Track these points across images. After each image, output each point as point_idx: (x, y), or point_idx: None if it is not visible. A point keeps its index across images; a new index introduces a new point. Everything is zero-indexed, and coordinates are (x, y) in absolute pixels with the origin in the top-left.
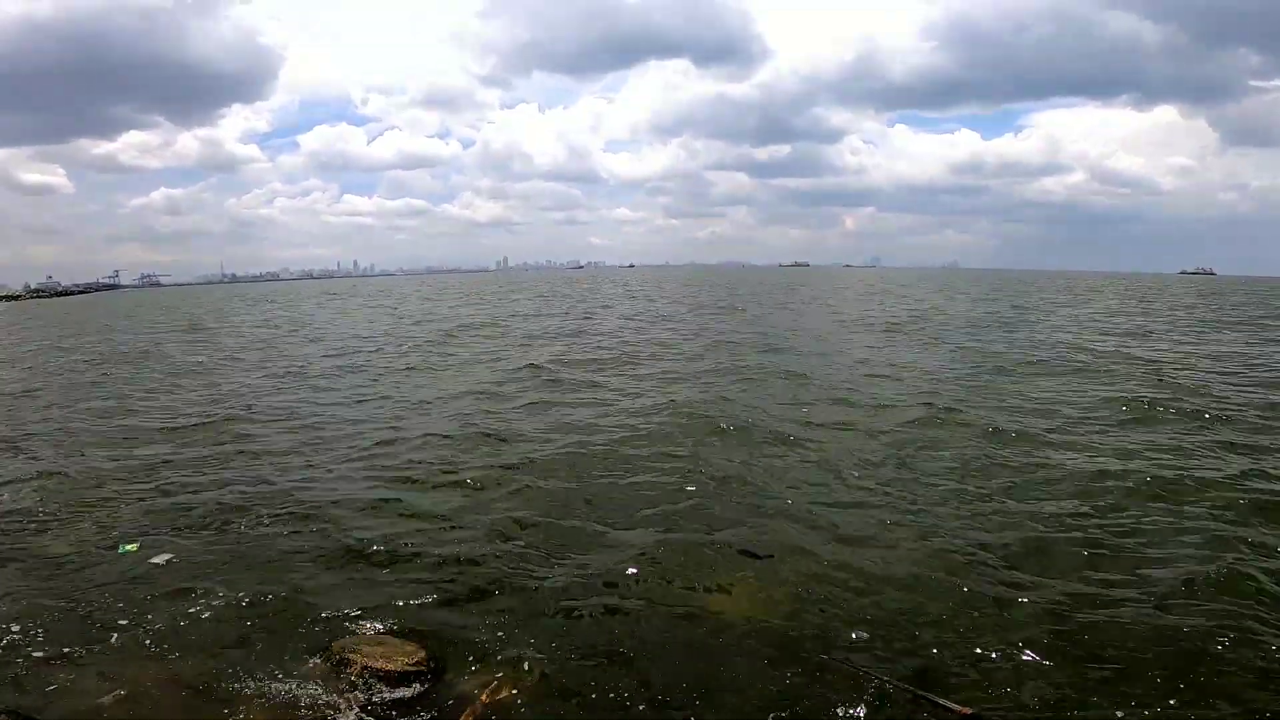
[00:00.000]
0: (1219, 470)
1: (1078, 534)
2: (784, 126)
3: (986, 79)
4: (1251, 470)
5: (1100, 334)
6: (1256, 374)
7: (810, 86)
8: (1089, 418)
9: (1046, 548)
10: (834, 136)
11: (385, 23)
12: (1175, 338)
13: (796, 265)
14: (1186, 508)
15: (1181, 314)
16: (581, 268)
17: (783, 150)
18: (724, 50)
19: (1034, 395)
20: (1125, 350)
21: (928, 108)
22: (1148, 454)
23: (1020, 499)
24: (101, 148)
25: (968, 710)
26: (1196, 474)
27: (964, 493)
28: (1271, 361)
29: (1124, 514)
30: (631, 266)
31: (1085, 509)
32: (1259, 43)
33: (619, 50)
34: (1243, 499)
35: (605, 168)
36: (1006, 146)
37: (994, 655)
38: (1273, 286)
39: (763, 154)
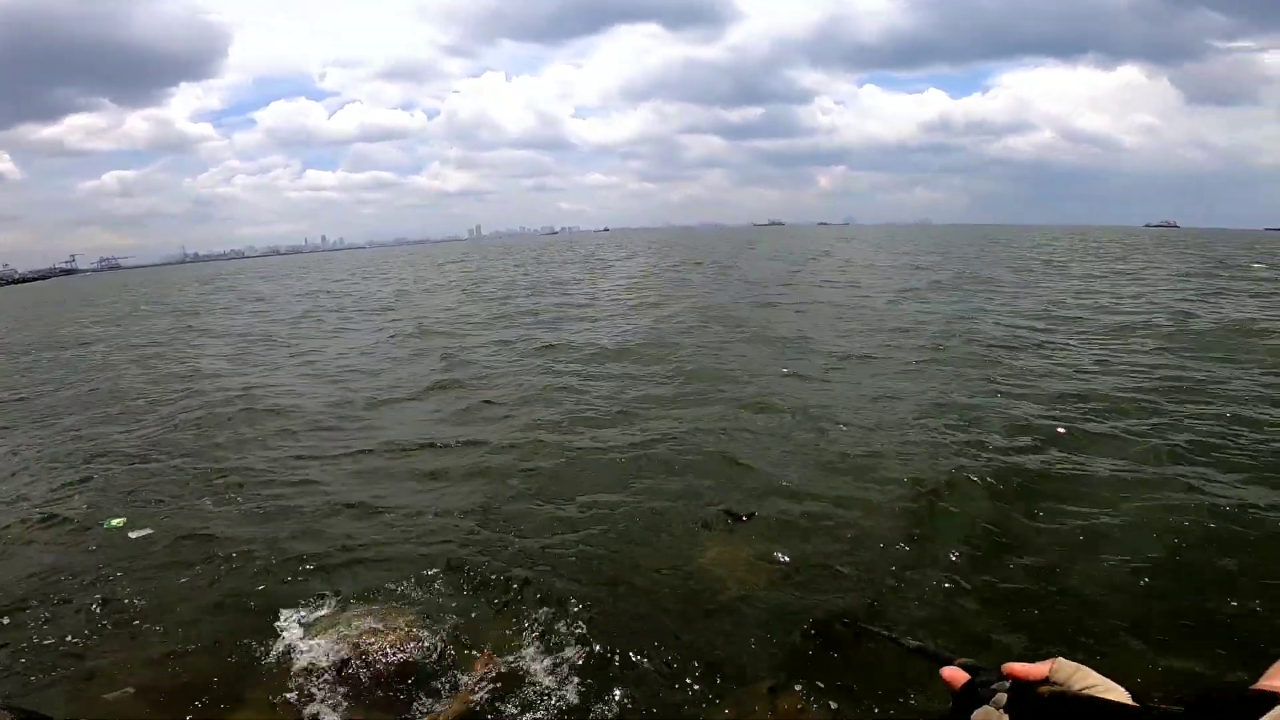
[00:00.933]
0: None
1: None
2: (755, 88)
3: (955, 38)
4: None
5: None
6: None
7: (781, 48)
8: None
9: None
10: (805, 97)
11: None
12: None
13: (771, 224)
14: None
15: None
16: (556, 233)
17: (755, 112)
18: (694, 13)
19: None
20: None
21: (898, 67)
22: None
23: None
24: (46, 132)
25: (962, 660)
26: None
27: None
28: None
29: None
30: (606, 230)
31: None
32: (1222, 3)
33: (587, 15)
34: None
35: (576, 134)
36: (975, 105)
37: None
38: (1236, 237)
39: (735, 116)
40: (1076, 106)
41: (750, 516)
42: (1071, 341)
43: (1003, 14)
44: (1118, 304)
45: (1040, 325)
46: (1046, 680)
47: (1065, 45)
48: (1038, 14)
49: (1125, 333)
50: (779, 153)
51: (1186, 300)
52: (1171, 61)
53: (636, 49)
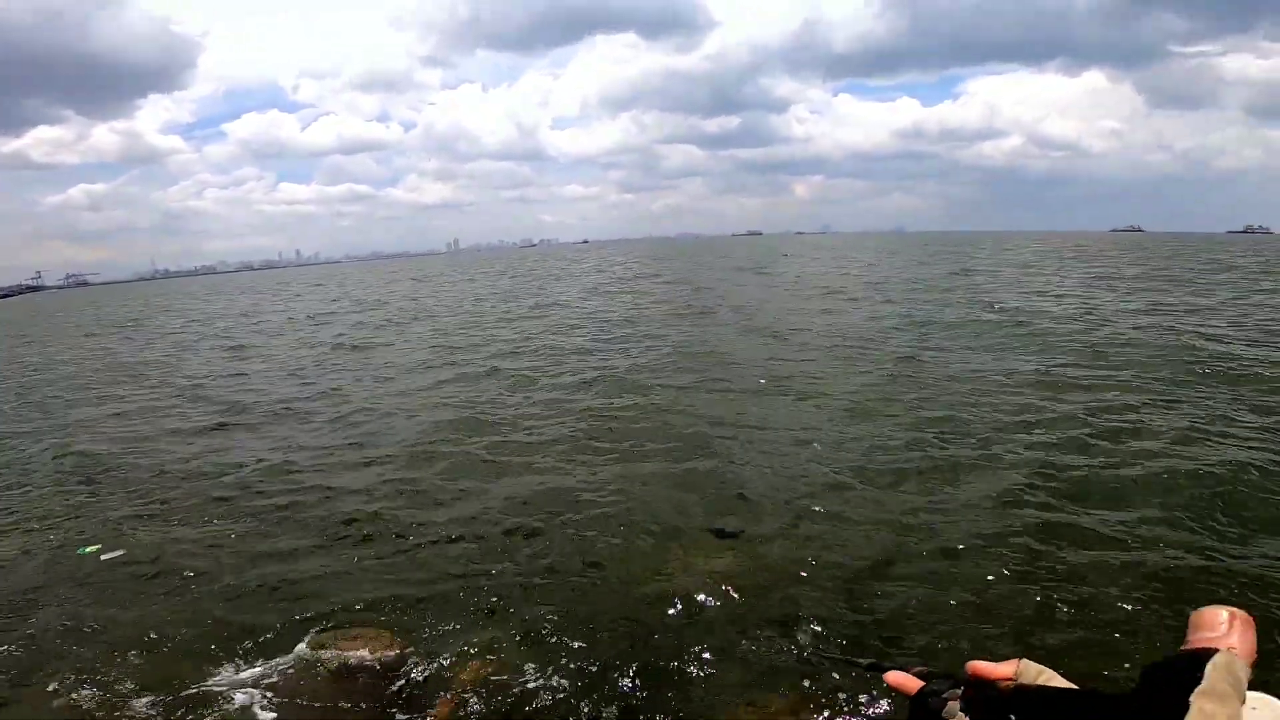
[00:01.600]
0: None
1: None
2: (732, 98)
3: (926, 46)
4: None
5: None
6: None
7: (757, 57)
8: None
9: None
10: (781, 106)
11: (313, 5)
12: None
13: (750, 234)
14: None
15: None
16: (535, 245)
17: (732, 121)
18: (670, 22)
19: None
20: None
21: (871, 75)
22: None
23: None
24: (9, 145)
25: (917, 669)
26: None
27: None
28: None
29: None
30: (585, 243)
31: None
32: (1181, 8)
33: (564, 25)
34: None
35: (554, 145)
36: (947, 113)
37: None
38: (1201, 241)
39: (712, 125)
40: (1045, 112)
41: (739, 534)
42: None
43: (971, 19)
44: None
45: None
46: (1011, 680)
47: (1033, 51)
48: (1005, 19)
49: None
50: (757, 162)
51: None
52: (1134, 66)
53: (614, 59)
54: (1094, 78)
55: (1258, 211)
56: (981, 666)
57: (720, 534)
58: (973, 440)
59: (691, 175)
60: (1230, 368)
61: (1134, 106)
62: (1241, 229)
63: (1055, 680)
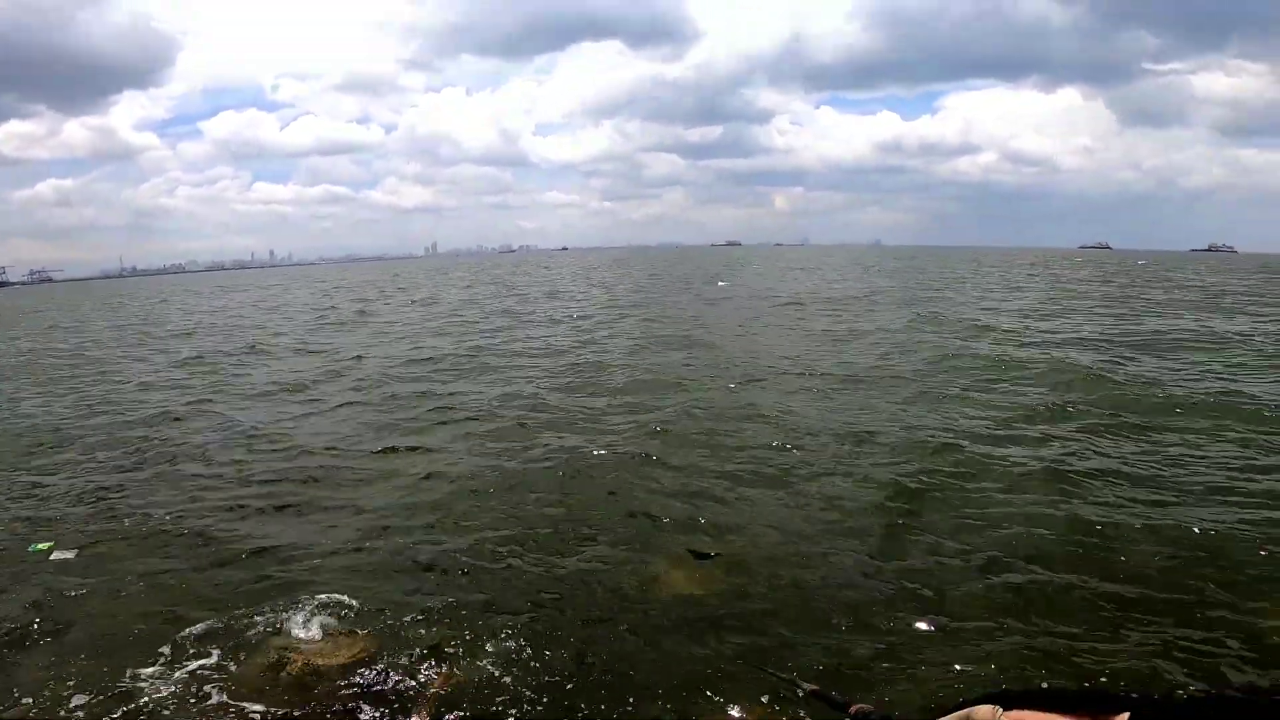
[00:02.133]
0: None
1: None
2: (715, 108)
3: (907, 60)
4: None
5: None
6: None
7: (741, 67)
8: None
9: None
10: (764, 117)
11: (296, 6)
12: None
13: (729, 245)
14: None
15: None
16: (514, 251)
17: (714, 131)
18: (656, 31)
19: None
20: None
21: (853, 89)
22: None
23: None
24: None
25: (858, 707)
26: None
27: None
28: None
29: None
30: (564, 250)
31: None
32: (1155, 25)
33: (550, 31)
34: None
35: (536, 151)
36: (925, 127)
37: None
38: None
39: (695, 135)
40: (1020, 129)
41: (714, 556)
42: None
43: (952, 35)
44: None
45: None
46: None
47: (1010, 67)
48: (985, 36)
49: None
50: (738, 172)
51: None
52: (1107, 83)
53: (600, 66)
54: (1068, 95)
55: (1223, 229)
56: None
57: (698, 555)
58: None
59: (673, 185)
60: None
61: (1106, 124)
62: (1205, 247)
63: None
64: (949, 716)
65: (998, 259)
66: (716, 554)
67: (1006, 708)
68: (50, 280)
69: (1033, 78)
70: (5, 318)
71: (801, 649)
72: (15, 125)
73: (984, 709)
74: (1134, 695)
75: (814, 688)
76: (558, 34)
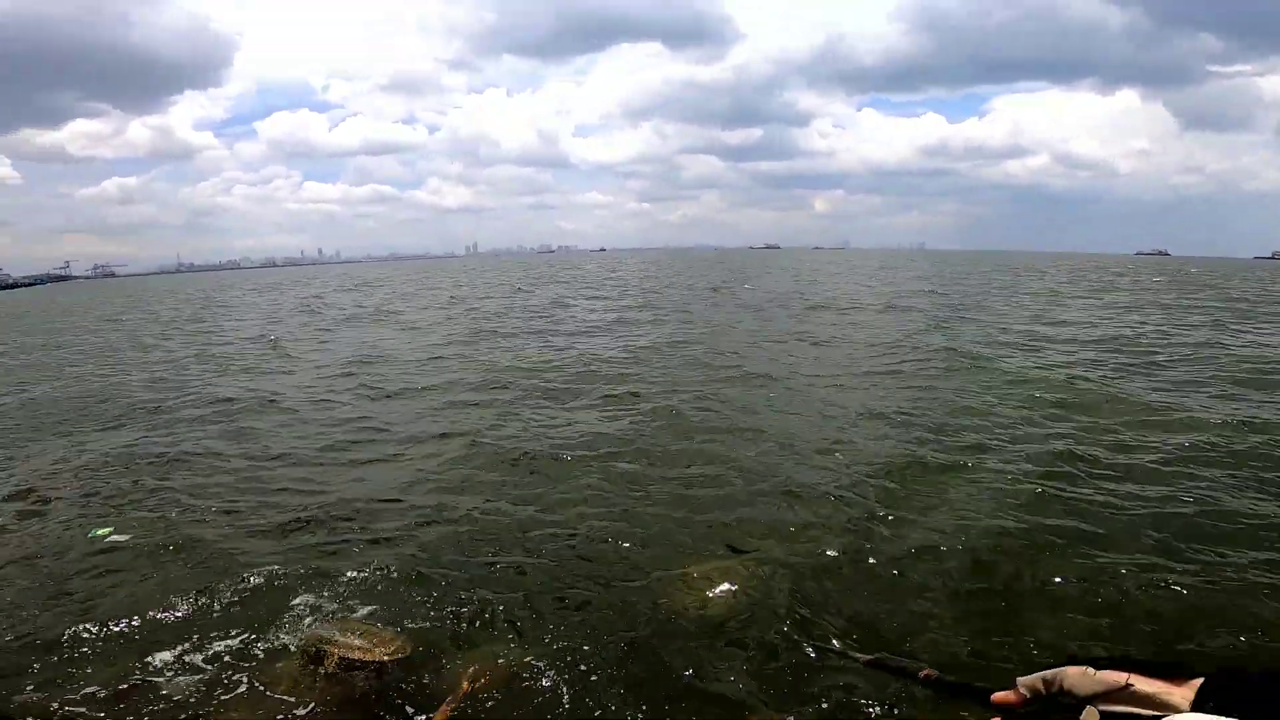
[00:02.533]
0: None
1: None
2: (754, 110)
3: (952, 63)
4: None
5: None
6: None
7: (780, 70)
8: None
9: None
10: (803, 120)
11: (346, 6)
12: None
13: (767, 248)
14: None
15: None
16: (552, 252)
17: (753, 134)
18: (695, 32)
19: None
20: None
21: (896, 91)
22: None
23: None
24: (47, 137)
25: (929, 672)
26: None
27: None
28: None
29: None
30: (602, 250)
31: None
32: (1220, 28)
33: (589, 33)
34: None
35: (575, 152)
36: (971, 130)
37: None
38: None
39: (733, 137)
40: (1074, 131)
41: (752, 551)
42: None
43: (1000, 37)
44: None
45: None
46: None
47: (1064, 69)
48: (1034, 37)
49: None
50: (776, 175)
51: None
52: (1168, 86)
53: (637, 68)
54: (1126, 97)
55: None
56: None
57: (733, 549)
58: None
59: (710, 187)
60: None
61: (1165, 127)
62: (1270, 254)
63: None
64: (1033, 676)
65: (1047, 263)
66: (754, 550)
67: (1097, 669)
68: (113, 275)
69: (1088, 80)
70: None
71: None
72: (82, 124)
73: (1074, 669)
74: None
75: (870, 658)
76: (597, 35)
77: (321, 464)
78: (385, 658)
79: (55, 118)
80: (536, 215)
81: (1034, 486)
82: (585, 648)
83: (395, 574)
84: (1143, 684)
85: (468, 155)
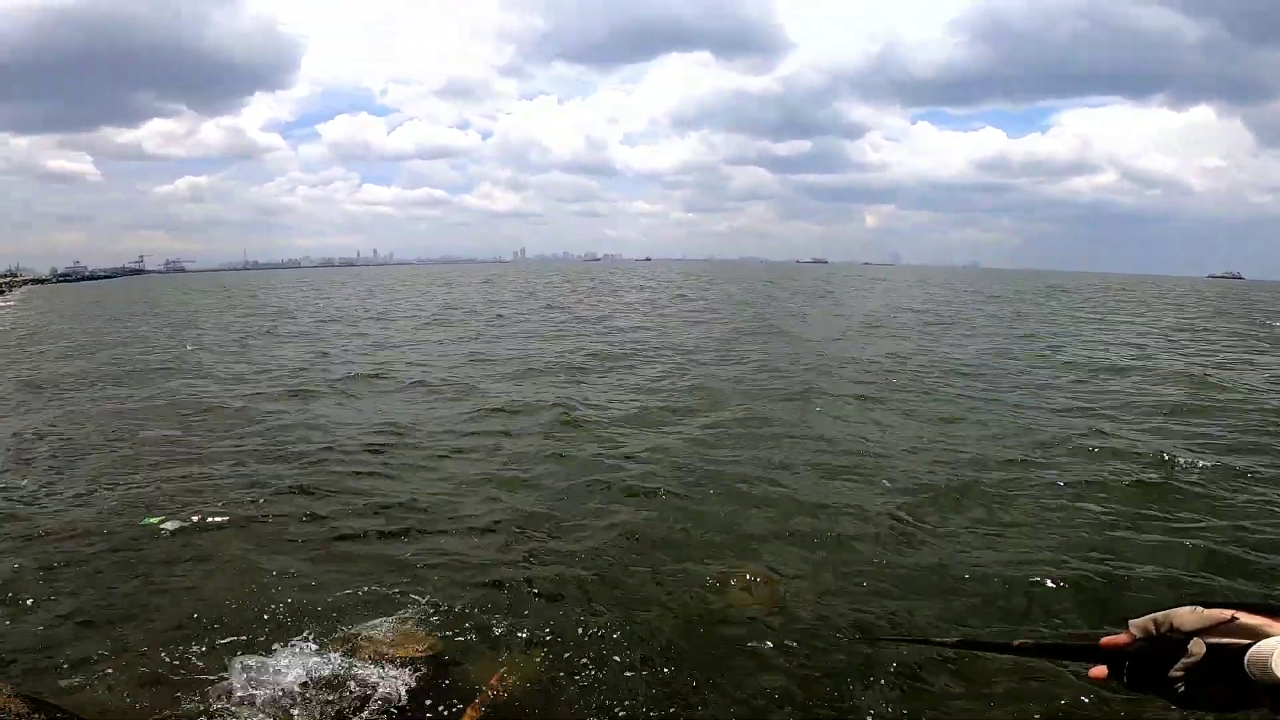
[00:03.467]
0: None
1: None
2: (805, 121)
3: (1015, 75)
4: None
5: None
6: None
7: (832, 80)
8: None
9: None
10: (856, 132)
11: (400, 11)
12: None
13: (815, 262)
14: None
15: None
16: (598, 260)
17: (803, 145)
18: (745, 42)
19: None
20: None
21: (953, 104)
22: None
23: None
24: (126, 135)
25: (1022, 641)
26: None
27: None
28: None
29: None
30: (648, 260)
31: None
32: None
33: (639, 41)
34: None
35: (623, 160)
36: (1034, 145)
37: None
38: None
39: (783, 149)
40: (1143, 148)
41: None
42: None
43: (1067, 49)
44: None
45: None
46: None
47: (1135, 83)
48: (1104, 50)
49: None
50: (825, 187)
51: None
52: (1245, 100)
53: (686, 77)
54: (1202, 113)
55: None
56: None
57: (782, 559)
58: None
59: (758, 198)
60: None
61: (1242, 143)
62: None
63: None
64: (1144, 618)
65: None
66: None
67: (1207, 607)
68: (183, 270)
69: (1161, 94)
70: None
71: None
72: (158, 124)
73: (1183, 609)
74: None
75: (957, 639)
76: (647, 43)
77: (370, 467)
78: (416, 655)
79: (134, 116)
80: (583, 222)
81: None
82: (617, 650)
83: (431, 573)
84: (1247, 618)
85: (518, 161)
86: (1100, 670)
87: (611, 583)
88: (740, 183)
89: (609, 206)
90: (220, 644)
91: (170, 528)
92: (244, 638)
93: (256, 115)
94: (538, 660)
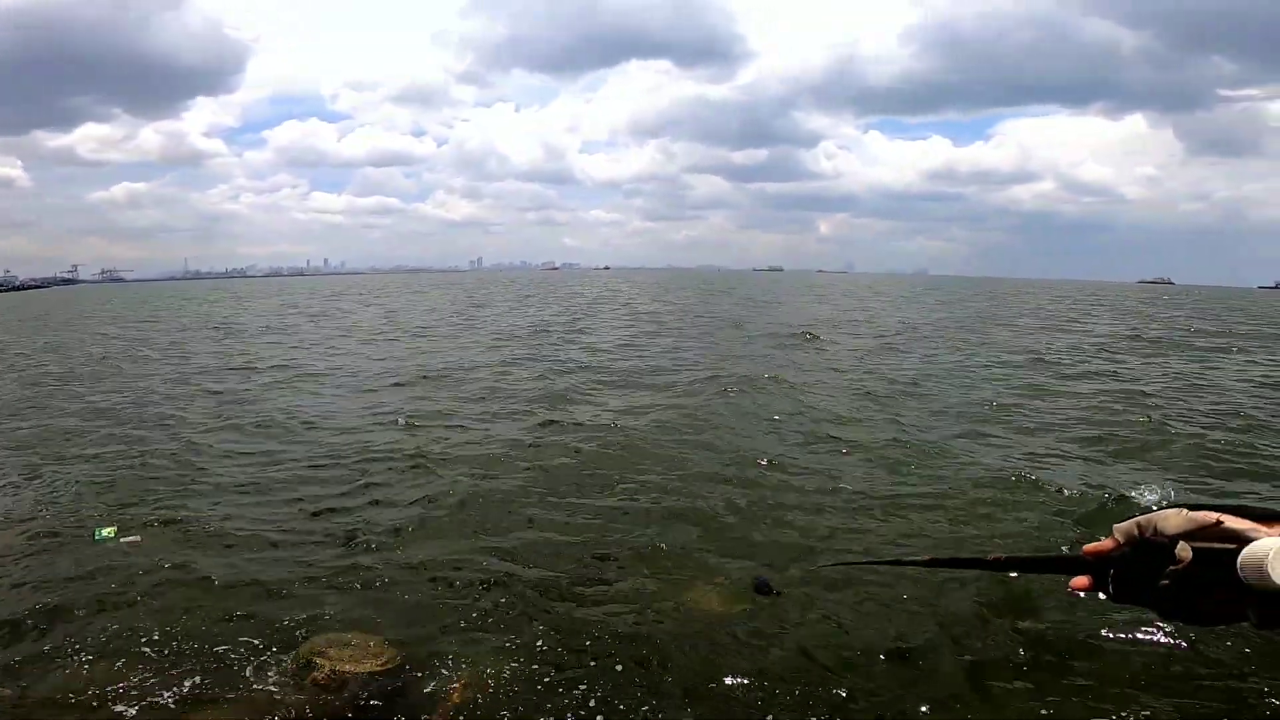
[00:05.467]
0: None
1: None
2: (762, 130)
3: (963, 85)
4: None
5: None
6: None
7: (790, 89)
8: None
9: None
10: (811, 141)
11: (358, 17)
12: None
13: (771, 270)
14: None
15: None
16: (557, 269)
17: (760, 154)
18: (707, 50)
19: None
20: None
21: (905, 113)
22: None
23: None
24: (59, 140)
25: (997, 555)
26: None
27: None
28: None
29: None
30: (607, 269)
31: None
32: (1233, 49)
33: (600, 49)
34: None
35: (582, 169)
36: (979, 154)
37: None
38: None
39: (741, 157)
40: (1081, 156)
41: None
42: None
43: (1013, 60)
44: None
45: None
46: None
47: (1075, 93)
48: (1049, 60)
49: None
50: (783, 196)
51: None
52: (1177, 110)
53: (647, 86)
54: (1135, 122)
55: None
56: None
57: (761, 588)
58: None
59: (717, 207)
60: None
61: (1173, 152)
62: (1274, 284)
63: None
64: (1128, 522)
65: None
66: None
67: (1191, 509)
68: (121, 279)
69: (1099, 104)
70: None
71: None
72: (93, 128)
73: (1169, 510)
74: None
75: (927, 558)
76: (607, 51)
77: (329, 468)
78: (375, 669)
79: (67, 121)
80: (542, 231)
81: None
82: (584, 660)
83: (388, 582)
84: (1232, 521)
85: (475, 169)
86: (1082, 581)
87: (577, 590)
88: (699, 191)
89: (568, 215)
90: (164, 663)
91: (129, 540)
92: (191, 656)
93: (199, 120)
94: (501, 671)
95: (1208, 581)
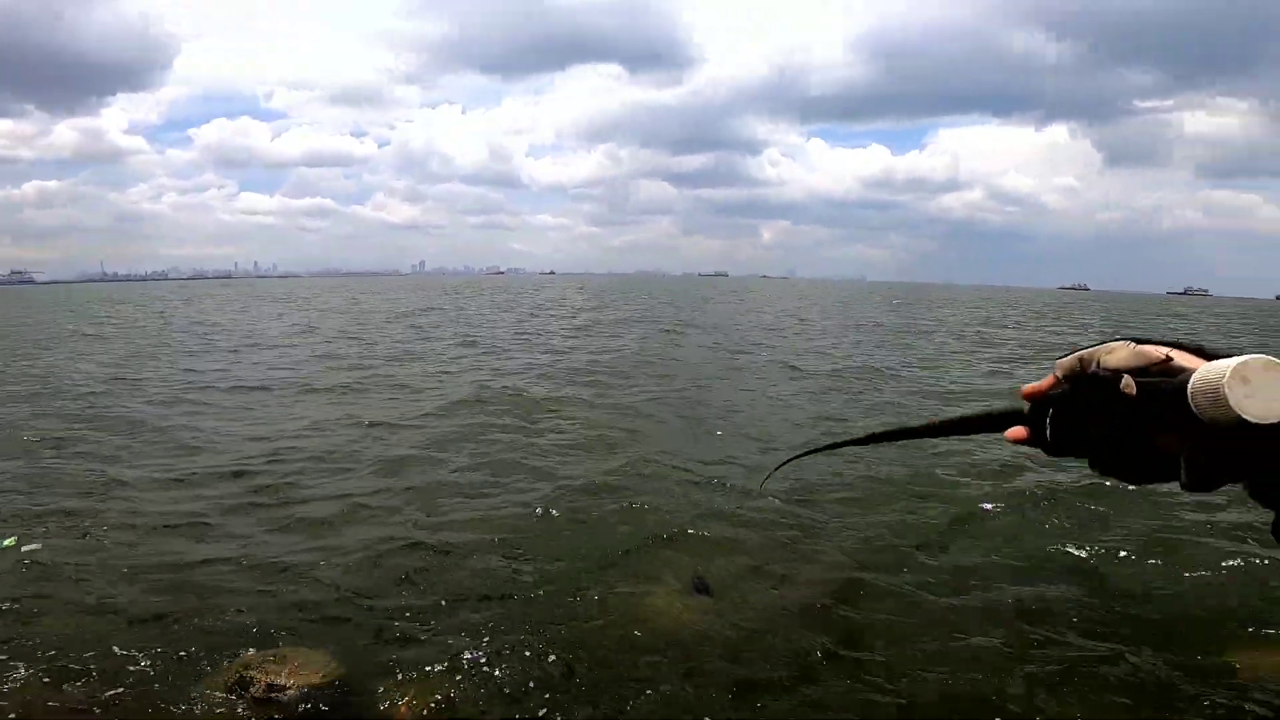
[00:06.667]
0: None
1: None
2: (709, 136)
3: (902, 93)
4: None
5: None
6: None
7: (737, 96)
8: None
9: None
10: (756, 148)
11: (298, 15)
12: None
13: (716, 275)
14: None
15: None
16: (501, 273)
17: (706, 160)
18: (657, 55)
19: None
20: None
21: (846, 120)
22: None
23: None
24: None
25: (931, 420)
26: None
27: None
28: None
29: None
30: (551, 274)
31: None
32: (1148, 61)
33: (550, 52)
34: None
35: (528, 173)
36: (915, 162)
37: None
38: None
39: (686, 163)
40: (1007, 166)
41: (713, 593)
42: None
43: (949, 70)
44: None
45: None
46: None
47: (1004, 103)
48: (982, 71)
49: None
50: (726, 202)
51: None
52: (1096, 121)
53: (596, 89)
54: (1057, 132)
55: (1201, 272)
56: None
57: (699, 588)
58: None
59: (662, 213)
60: None
61: (1091, 162)
62: (1181, 290)
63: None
64: (1070, 356)
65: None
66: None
67: (1139, 343)
68: (32, 281)
69: (1025, 114)
70: None
71: None
72: (1, 124)
73: (1116, 343)
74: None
75: (865, 435)
76: (556, 55)
77: (253, 469)
78: (316, 682)
79: None
80: (487, 235)
81: None
82: (535, 666)
83: (329, 593)
84: (1183, 358)
85: (418, 171)
86: (1019, 431)
87: (530, 604)
88: (645, 196)
89: (515, 219)
90: (91, 680)
91: (32, 548)
92: (116, 673)
93: (120, 117)
94: (449, 684)
95: (1153, 419)
